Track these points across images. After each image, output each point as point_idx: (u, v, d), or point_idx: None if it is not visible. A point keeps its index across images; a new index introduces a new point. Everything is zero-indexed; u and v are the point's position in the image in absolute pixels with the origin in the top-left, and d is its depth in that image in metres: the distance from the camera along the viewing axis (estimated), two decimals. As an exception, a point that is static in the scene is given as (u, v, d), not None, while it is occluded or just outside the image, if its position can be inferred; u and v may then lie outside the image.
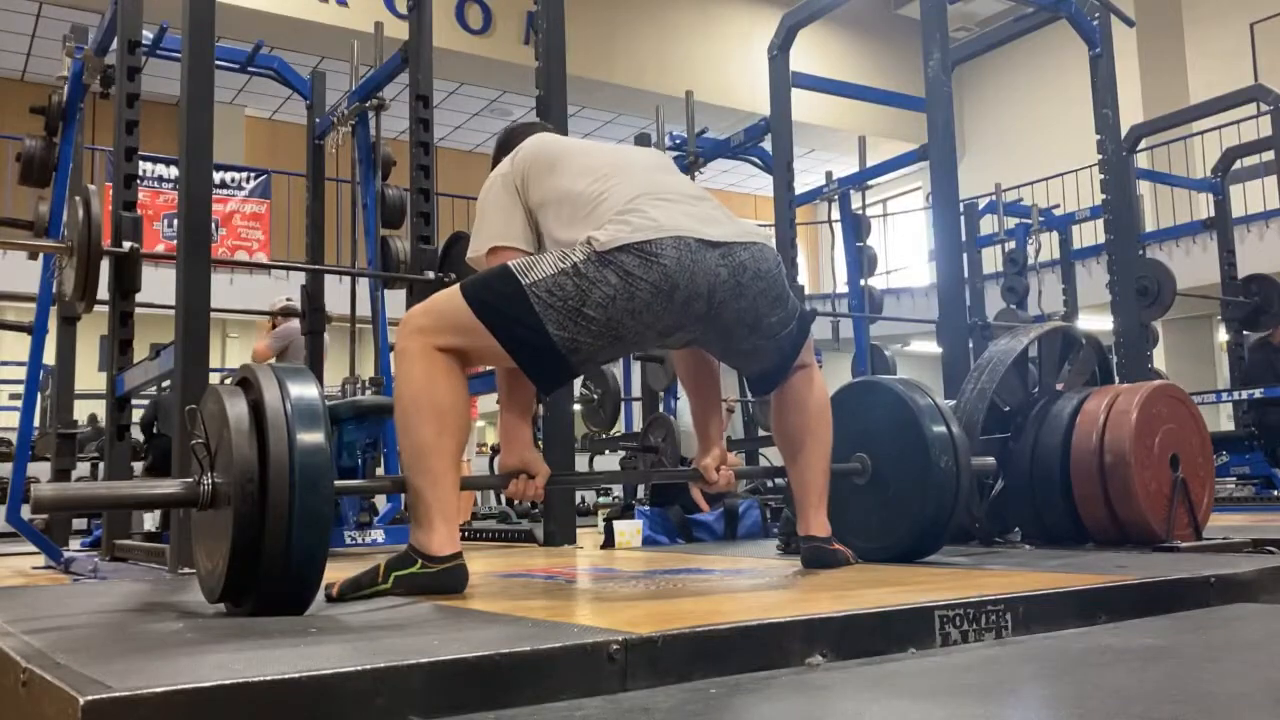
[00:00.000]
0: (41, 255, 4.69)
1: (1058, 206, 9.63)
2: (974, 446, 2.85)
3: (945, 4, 3.92)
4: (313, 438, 1.68)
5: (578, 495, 5.44)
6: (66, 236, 3.63)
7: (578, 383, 6.40)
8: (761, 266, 2.09)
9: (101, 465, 5.86)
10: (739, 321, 2.11)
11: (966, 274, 5.94)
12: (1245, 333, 7.21)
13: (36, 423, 5.64)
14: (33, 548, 4.09)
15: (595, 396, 6.93)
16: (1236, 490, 6.54)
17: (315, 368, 5.14)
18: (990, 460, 2.73)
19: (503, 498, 8.97)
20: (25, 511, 4.20)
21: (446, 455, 1.96)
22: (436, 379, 1.96)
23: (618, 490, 8.21)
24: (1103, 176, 4.57)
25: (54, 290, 4.33)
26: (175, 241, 2.96)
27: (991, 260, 9.31)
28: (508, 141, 2.43)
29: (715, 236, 2.04)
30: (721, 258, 2.03)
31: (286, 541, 1.63)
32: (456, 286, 2.06)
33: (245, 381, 1.79)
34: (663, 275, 1.96)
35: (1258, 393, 6.55)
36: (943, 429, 2.47)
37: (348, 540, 3.67)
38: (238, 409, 1.71)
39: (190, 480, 1.75)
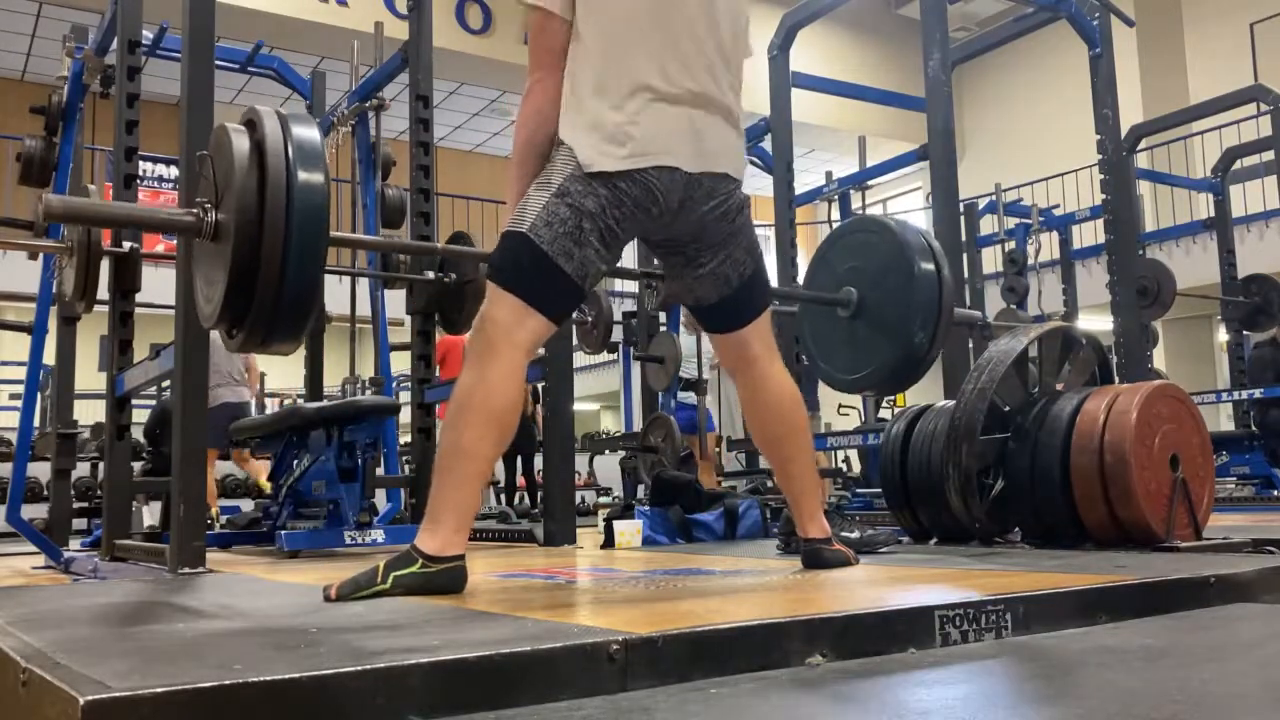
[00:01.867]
0: (41, 255, 4.69)
1: (1058, 206, 9.63)
2: (974, 446, 2.85)
3: (945, 4, 3.92)
4: (311, 176, 1.73)
5: (578, 495, 5.44)
6: (66, 236, 3.63)
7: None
8: (716, 189, 2.17)
9: (101, 465, 5.85)
10: (688, 232, 2.20)
11: (966, 274, 5.94)
12: (1246, 333, 7.21)
13: (36, 423, 5.65)
14: (33, 548, 4.10)
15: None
16: (1236, 490, 6.54)
17: (315, 367, 5.14)
18: (976, 313, 2.77)
19: (502, 498, 8.98)
20: (25, 511, 4.21)
21: (481, 460, 2.00)
22: (504, 388, 1.99)
23: (618, 490, 8.21)
24: (1103, 176, 4.57)
25: (54, 290, 4.34)
26: (175, 241, 2.96)
27: (991, 260, 9.31)
28: None
29: (694, 167, 2.12)
30: (688, 181, 2.12)
31: (281, 271, 1.66)
32: (488, 281, 2.11)
33: (250, 122, 1.81)
34: (645, 193, 2.07)
35: (1258, 393, 6.55)
36: (930, 265, 2.49)
37: (348, 540, 3.66)
38: (241, 146, 1.74)
39: (195, 210, 1.79)
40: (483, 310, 2.09)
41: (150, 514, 6.23)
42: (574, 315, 6.80)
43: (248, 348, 1.82)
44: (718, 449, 6.58)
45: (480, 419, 1.97)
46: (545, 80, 2.15)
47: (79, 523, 5.49)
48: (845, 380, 2.46)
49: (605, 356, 9.30)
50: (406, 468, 4.75)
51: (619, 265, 2.50)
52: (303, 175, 1.72)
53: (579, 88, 2.11)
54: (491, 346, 2.01)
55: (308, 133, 1.79)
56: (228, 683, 1.08)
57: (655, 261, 2.51)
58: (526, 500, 8.42)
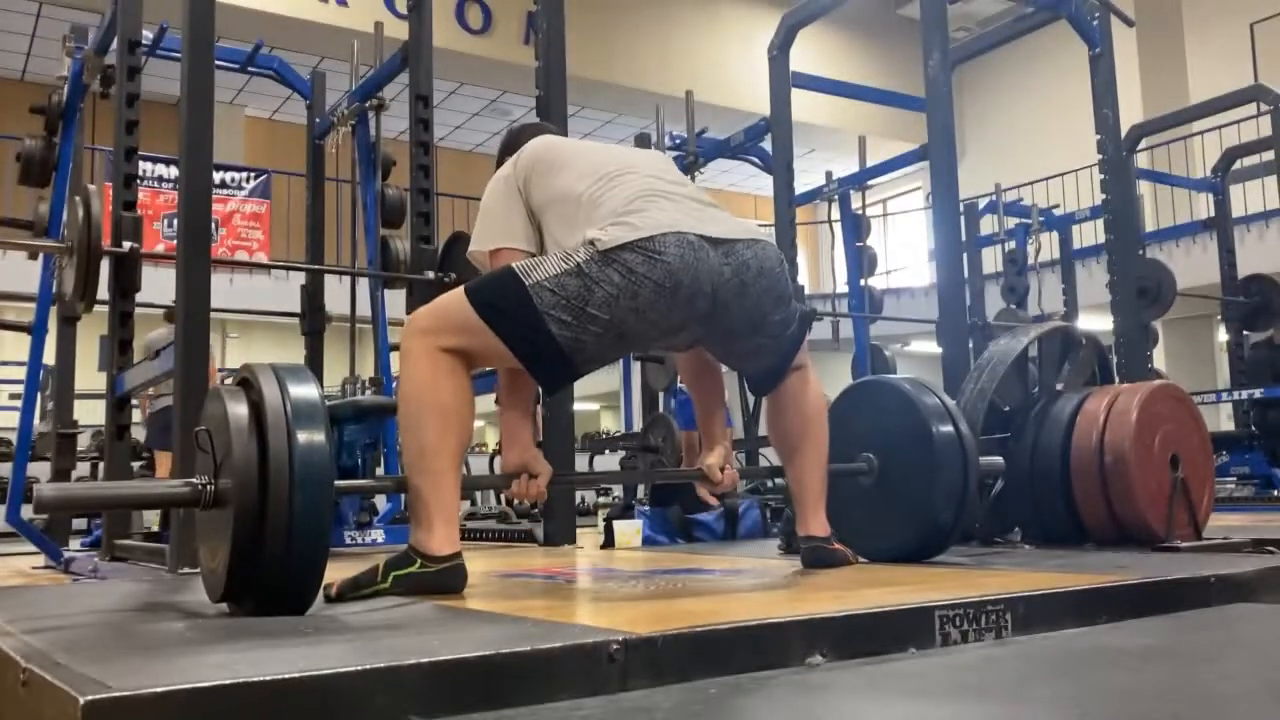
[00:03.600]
0: (41, 255, 4.69)
1: (1058, 206, 9.63)
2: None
3: (945, 4, 3.92)
4: (312, 437, 1.69)
5: (578, 495, 5.43)
6: (66, 236, 3.63)
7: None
8: (765, 265, 2.10)
9: (101, 465, 5.85)
10: (744, 320, 2.11)
11: (966, 274, 5.94)
12: (1246, 332, 7.21)
13: (36, 423, 5.64)
14: (33, 548, 4.10)
15: None
16: (1236, 490, 6.54)
17: (315, 368, 5.14)
18: (998, 460, 2.73)
19: (503, 497, 8.98)
20: (25, 511, 4.21)
21: (448, 455, 1.95)
22: (440, 379, 1.96)
23: (618, 490, 8.20)
24: (1103, 176, 4.57)
25: (54, 290, 4.34)
26: (175, 241, 2.96)
27: (991, 260, 9.30)
28: (512, 143, 2.44)
29: (717, 233, 2.04)
30: (725, 256, 2.03)
31: (287, 541, 1.63)
32: (460, 289, 2.06)
33: (245, 381, 1.79)
34: (666, 273, 1.96)
35: (1258, 393, 6.55)
36: (950, 429, 2.46)
37: (348, 540, 3.67)
38: (237, 409, 1.71)
39: (193, 480, 1.76)
40: (424, 307, 2.06)
41: (151, 514, 6.22)
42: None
43: (259, 614, 1.76)
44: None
45: (434, 416, 1.94)
46: None
47: (79, 523, 5.49)
48: (870, 550, 2.45)
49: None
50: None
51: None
52: (303, 436, 1.68)
53: (581, 227, 2.05)
54: (422, 348, 1.98)
55: (305, 390, 1.75)
56: (228, 683, 1.08)
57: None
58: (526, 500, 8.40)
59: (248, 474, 1.65)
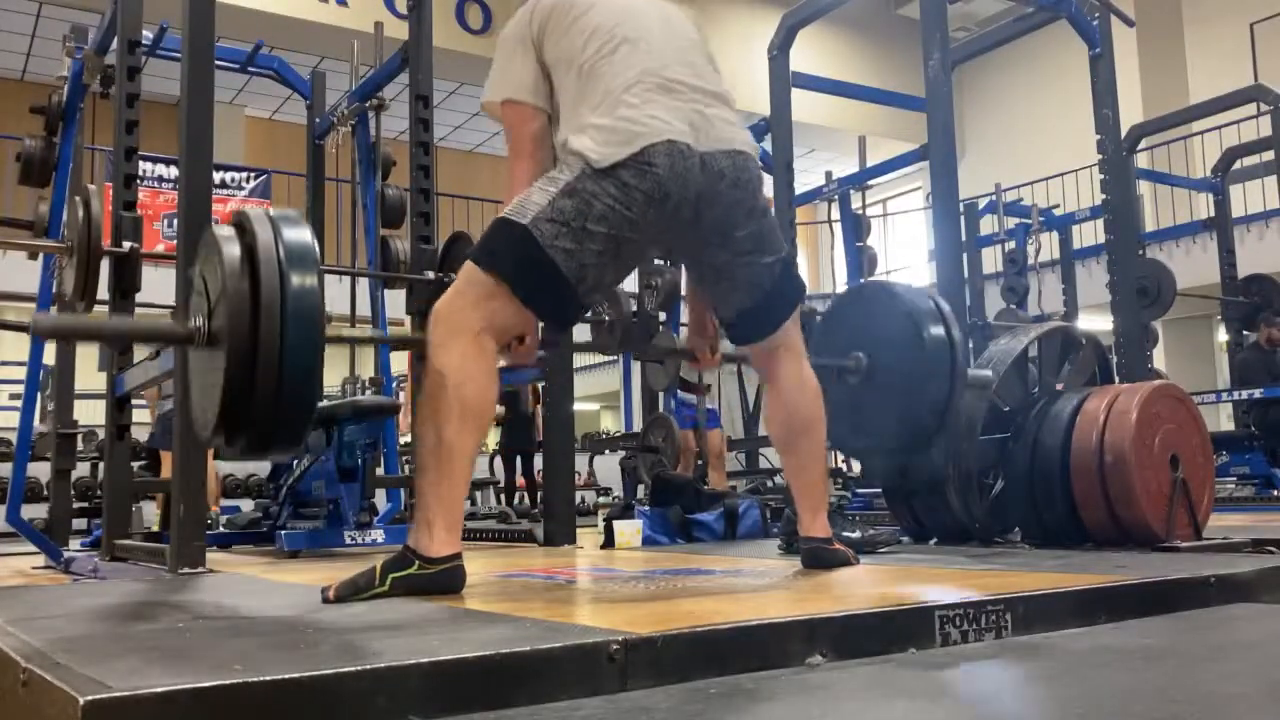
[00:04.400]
0: (41, 255, 4.69)
1: (1058, 206, 9.63)
2: (974, 446, 2.85)
3: (945, 4, 3.92)
4: (304, 277, 1.71)
5: (578, 495, 5.43)
6: (66, 236, 3.63)
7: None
8: (740, 176, 2.11)
9: (101, 465, 5.85)
10: (713, 229, 2.13)
11: (966, 274, 5.94)
12: (1246, 333, 7.21)
13: (36, 423, 5.64)
14: (33, 548, 4.10)
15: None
16: (1236, 490, 6.54)
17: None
18: (987, 373, 2.74)
19: (502, 498, 8.99)
20: (25, 511, 4.21)
21: (461, 455, 1.94)
22: (469, 374, 1.94)
23: (618, 490, 8.21)
24: (1103, 176, 4.57)
25: (54, 290, 4.33)
26: (175, 241, 2.96)
27: (991, 260, 9.31)
28: None
29: (704, 146, 2.06)
30: (703, 164, 2.05)
31: (278, 378, 1.66)
32: (467, 261, 2.08)
33: (240, 226, 1.81)
34: (656, 184, 1.99)
35: (1258, 393, 6.55)
36: (940, 331, 2.46)
37: (348, 540, 3.66)
38: (231, 251, 1.73)
39: (187, 320, 1.79)
40: (443, 296, 2.05)
41: (151, 514, 6.23)
42: (590, 315, 6.81)
43: (248, 455, 1.80)
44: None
45: (455, 411, 1.91)
46: (528, 166, 2.14)
47: (79, 523, 5.49)
48: (851, 446, 2.45)
49: (605, 356, 9.30)
50: (406, 468, 4.76)
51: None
52: (296, 278, 1.70)
53: (577, 106, 2.09)
54: (449, 332, 1.96)
55: (299, 234, 1.77)
56: (228, 683, 1.08)
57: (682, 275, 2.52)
58: (526, 500, 8.42)
59: (240, 312, 1.67)
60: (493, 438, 10.10)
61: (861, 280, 2.71)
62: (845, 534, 2.64)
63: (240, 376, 1.67)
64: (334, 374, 5.46)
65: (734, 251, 2.17)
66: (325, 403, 4.30)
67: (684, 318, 2.89)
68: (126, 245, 3.36)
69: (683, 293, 2.96)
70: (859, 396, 2.54)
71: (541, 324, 2.20)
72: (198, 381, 1.86)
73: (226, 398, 1.68)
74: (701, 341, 2.51)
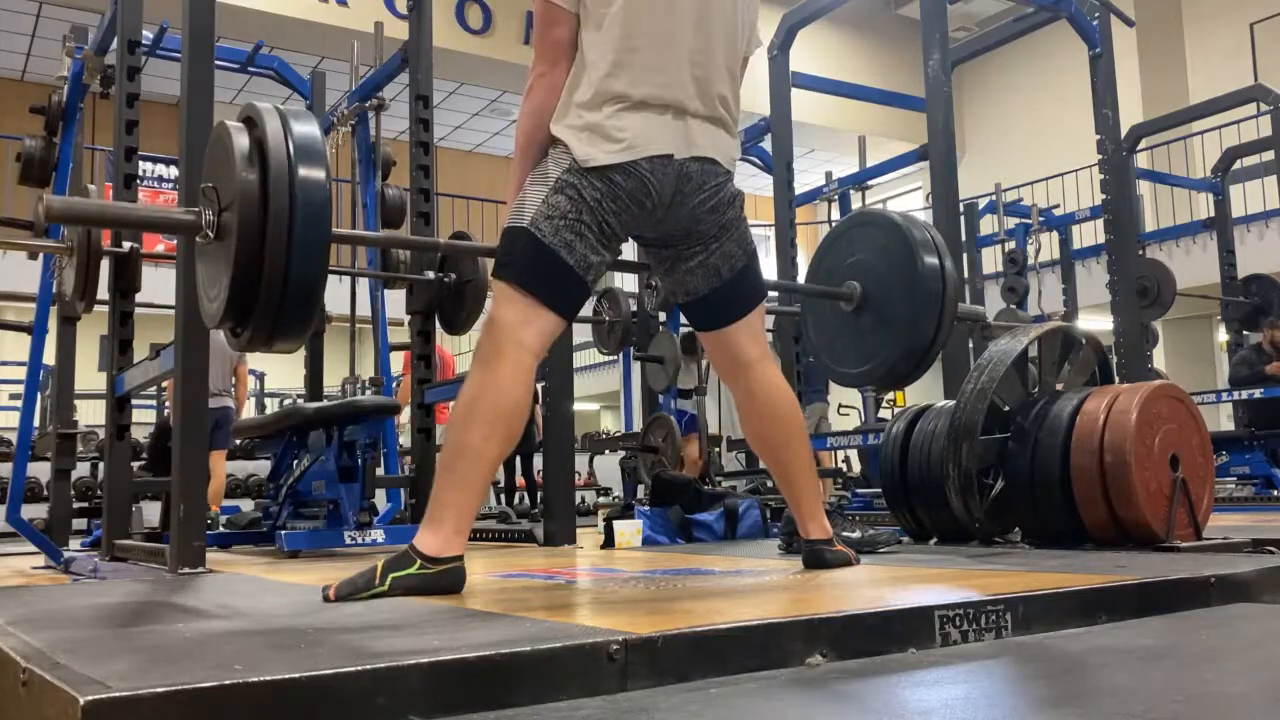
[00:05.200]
0: (41, 255, 4.69)
1: (1058, 206, 9.63)
2: (974, 446, 2.85)
3: (945, 4, 3.92)
4: (312, 171, 1.74)
5: (578, 495, 5.44)
6: (66, 236, 3.63)
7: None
8: (706, 180, 2.18)
9: (101, 465, 5.85)
10: (676, 223, 2.19)
11: (966, 274, 5.94)
12: (1245, 333, 7.21)
13: (36, 423, 5.64)
14: (33, 548, 4.10)
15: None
16: (1236, 490, 6.54)
17: (315, 367, 5.14)
18: (980, 308, 2.75)
19: (502, 498, 8.98)
20: (25, 511, 4.21)
21: (485, 463, 1.98)
22: (512, 388, 1.98)
23: (618, 490, 8.20)
24: (1103, 176, 4.57)
25: (54, 290, 4.33)
26: (175, 241, 2.96)
27: (991, 260, 9.31)
28: None
29: (682, 154, 2.12)
30: (678, 169, 2.13)
31: (285, 267, 1.67)
32: (493, 279, 2.12)
33: (250, 119, 1.81)
34: (640, 185, 2.08)
35: (1257, 393, 6.55)
36: (934, 260, 2.48)
37: (348, 540, 3.66)
38: (240, 143, 1.74)
39: (197, 209, 1.79)
40: (490, 311, 2.09)
41: (151, 514, 6.23)
42: (592, 315, 6.79)
43: (253, 346, 1.82)
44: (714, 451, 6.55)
45: (488, 420, 1.96)
46: (549, 75, 2.15)
47: (79, 523, 5.49)
48: (849, 374, 2.46)
49: (605, 356, 9.30)
50: (406, 468, 4.75)
51: (620, 259, 2.50)
52: (304, 171, 1.72)
53: (572, 93, 2.12)
54: (498, 348, 2.01)
55: (308, 129, 1.78)
56: (228, 683, 1.08)
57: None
58: (526, 500, 8.42)
59: (249, 203, 1.68)
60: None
61: (854, 211, 2.72)
62: (845, 534, 2.64)
63: (248, 267, 1.68)
64: (334, 374, 5.47)
65: (695, 240, 2.24)
66: (325, 403, 4.30)
67: (683, 319, 2.88)
68: (126, 245, 3.36)
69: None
70: (854, 326, 2.55)
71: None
72: (205, 270, 1.86)
73: (233, 288, 1.69)
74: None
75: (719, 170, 2.22)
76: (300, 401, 5.67)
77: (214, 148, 1.85)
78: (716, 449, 6.87)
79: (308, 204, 1.71)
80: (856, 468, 8.45)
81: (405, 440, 5.52)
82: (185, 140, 2.94)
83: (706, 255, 2.26)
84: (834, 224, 7.22)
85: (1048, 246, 8.70)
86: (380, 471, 4.33)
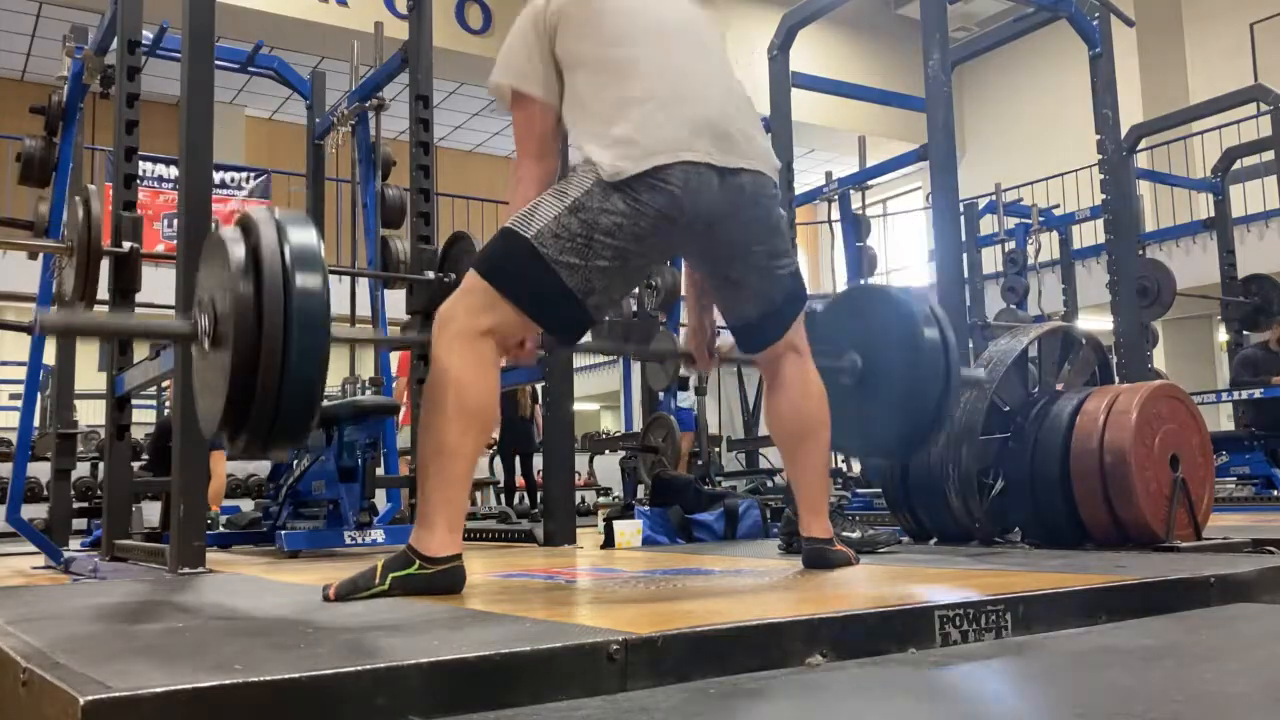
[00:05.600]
0: (41, 255, 4.69)
1: (1058, 206, 9.63)
2: (974, 446, 2.85)
3: (945, 4, 3.92)
4: (309, 279, 1.72)
5: (578, 495, 5.44)
6: (66, 236, 3.63)
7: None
8: (760, 194, 2.10)
9: (101, 465, 5.85)
10: (728, 245, 2.12)
11: (966, 274, 5.94)
12: (1245, 333, 7.21)
13: (36, 423, 5.64)
14: (33, 548, 4.10)
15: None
16: (1236, 490, 6.54)
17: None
18: (980, 373, 2.75)
19: (502, 498, 8.99)
20: (25, 511, 4.21)
21: (464, 457, 1.95)
22: (470, 378, 1.94)
23: (618, 490, 8.20)
24: (1103, 176, 4.56)
25: (54, 290, 4.33)
26: (175, 241, 2.96)
27: (991, 260, 9.31)
28: None
29: (721, 161, 2.03)
30: (722, 181, 2.03)
31: (281, 378, 1.66)
32: (470, 271, 2.05)
33: (245, 227, 1.81)
34: (669, 201, 1.96)
35: (1257, 393, 6.55)
36: (935, 333, 2.49)
37: (348, 540, 3.66)
38: (236, 252, 1.74)
39: (192, 318, 1.79)
40: (448, 304, 2.03)
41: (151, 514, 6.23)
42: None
43: (249, 454, 1.82)
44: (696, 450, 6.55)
45: (456, 415, 1.92)
46: (534, 168, 2.11)
47: (79, 523, 5.48)
48: (848, 446, 2.46)
49: (605, 356, 9.30)
50: (407, 468, 4.75)
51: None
52: (300, 280, 1.70)
53: (594, 109, 2.05)
54: (452, 337, 1.96)
55: (305, 236, 1.77)
56: (228, 683, 1.08)
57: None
58: (526, 500, 8.42)
59: (246, 314, 1.67)
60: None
61: (857, 283, 2.71)
62: (845, 534, 2.64)
63: (244, 377, 1.67)
64: (334, 374, 5.47)
65: (750, 265, 2.17)
66: (325, 403, 4.30)
67: (683, 318, 2.89)
68: (126, 245, 3.36)
69: (682, 293, 2.96)
70: (854, 399, 2.55)
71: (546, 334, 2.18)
72: (202, 379, 1.86)
73: (230, 398, 1.68)
74: (699, 343, 2.51)
75: (769, 185, 2.13)
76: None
77: (209, 256, 1.84)
78: (716, 449, 6.87)
79: (304, 312, 1.69)
80: (856, 468, 8.45)
81: (405, 440, 5.52)
82: (185, 140, 2.94)
83: (761, 281, 2.19)
84: (832, 227, 7.24)
85: (1048, 246, 8.69)
86: (380, 471, 4.33)
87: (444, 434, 1.93)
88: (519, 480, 8.79)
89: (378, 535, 3.71)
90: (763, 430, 6.73)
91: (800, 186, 5.62)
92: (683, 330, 5.27)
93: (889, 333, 2.54)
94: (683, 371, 6.35)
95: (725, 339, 2.52)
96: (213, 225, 2.54)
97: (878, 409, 2.52)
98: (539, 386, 3.78)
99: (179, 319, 1.86)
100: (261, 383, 1.67)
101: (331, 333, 1.77)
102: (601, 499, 8.61)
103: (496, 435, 9.08)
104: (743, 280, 2.20)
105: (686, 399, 6.78)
